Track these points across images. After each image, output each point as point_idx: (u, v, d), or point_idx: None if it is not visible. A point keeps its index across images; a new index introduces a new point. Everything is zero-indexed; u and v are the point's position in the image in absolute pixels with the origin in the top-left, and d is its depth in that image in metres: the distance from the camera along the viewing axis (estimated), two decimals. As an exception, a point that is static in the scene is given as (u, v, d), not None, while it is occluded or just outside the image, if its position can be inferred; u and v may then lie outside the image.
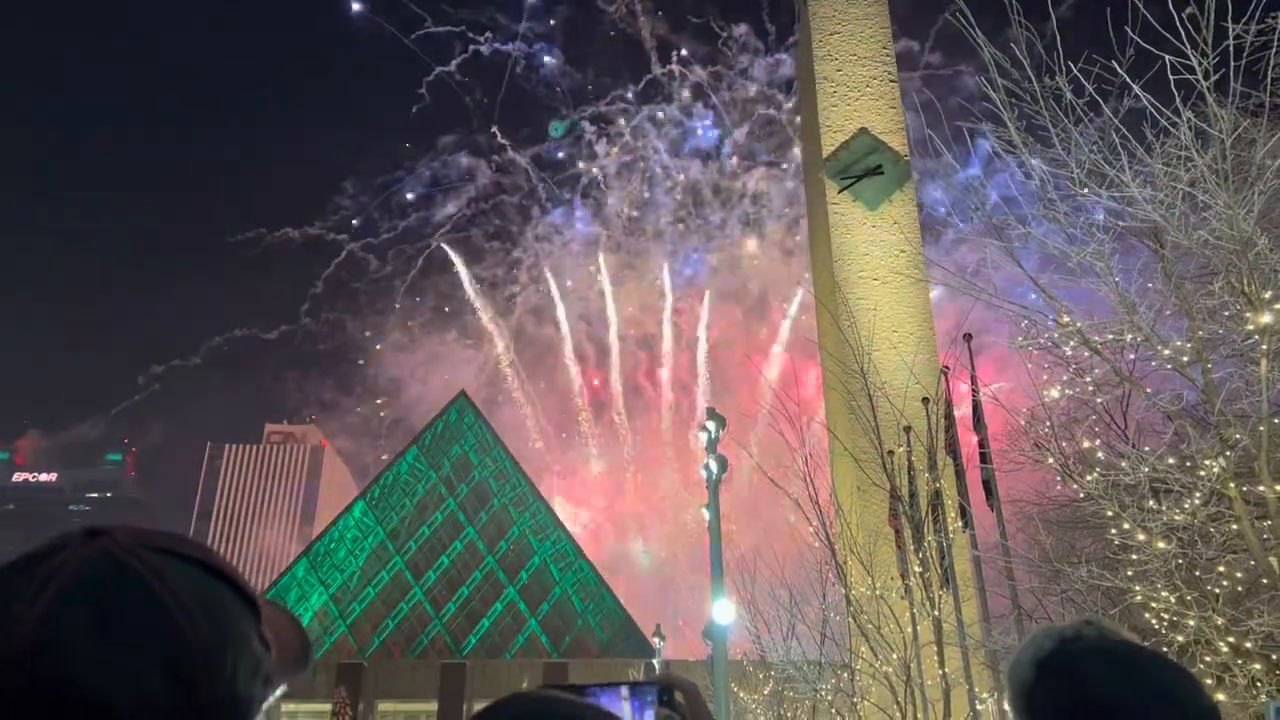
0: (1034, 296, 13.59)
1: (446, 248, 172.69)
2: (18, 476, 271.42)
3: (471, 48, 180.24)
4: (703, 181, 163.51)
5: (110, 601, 1.04)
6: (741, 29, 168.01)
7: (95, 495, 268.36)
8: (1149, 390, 12.77)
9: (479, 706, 1.43)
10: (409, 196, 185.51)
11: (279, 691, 1.27)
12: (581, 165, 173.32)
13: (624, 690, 1.66)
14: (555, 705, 1.33)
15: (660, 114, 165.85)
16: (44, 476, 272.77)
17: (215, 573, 1.13)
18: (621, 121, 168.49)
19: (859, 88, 37.82)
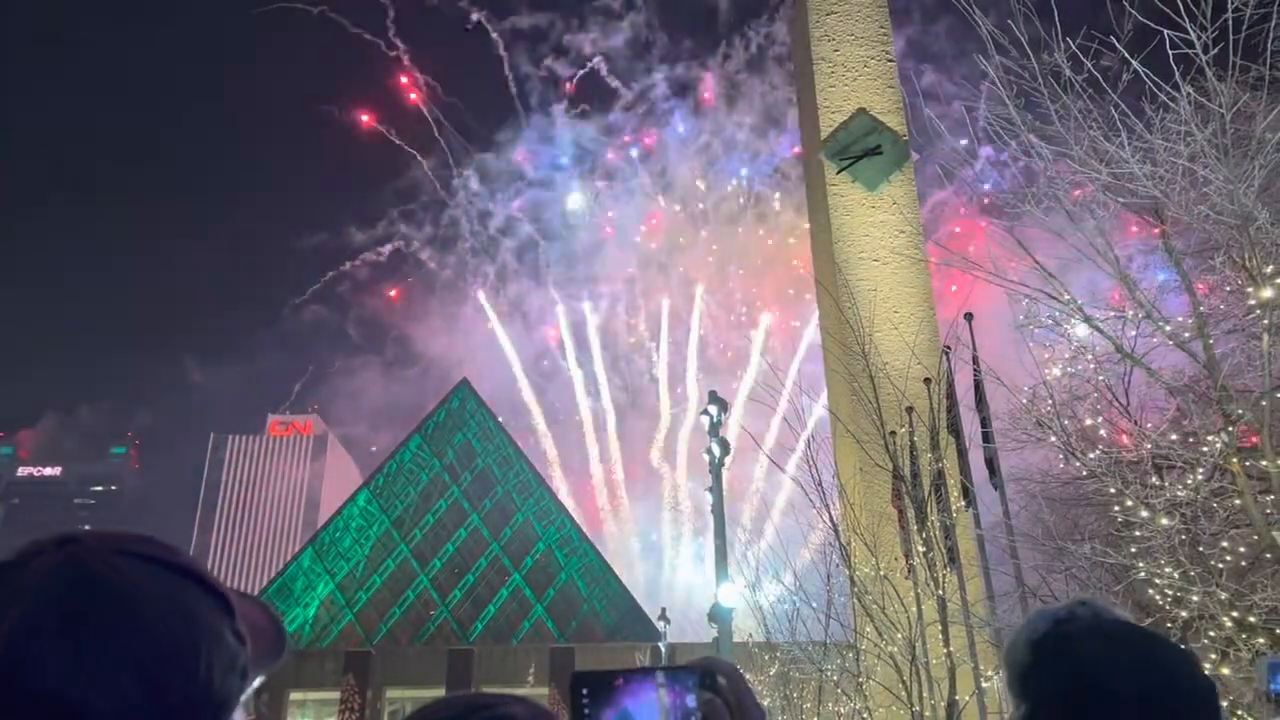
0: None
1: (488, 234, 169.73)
2: (22, 471, 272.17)
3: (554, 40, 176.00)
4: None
5: (81, 609, 1.05)
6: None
7: (99, 489, 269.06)
8: (1151, 366, 12.76)
9: (487, 692, 1.42)
10: (459, 187, 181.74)
11: (257, 682, 1.29)
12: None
13: (659, 676, 1.57)
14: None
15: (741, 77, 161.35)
16: (48, 471, 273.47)
17: (184, 572, 1.15)
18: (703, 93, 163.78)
19: (857, 68, 37.59)
